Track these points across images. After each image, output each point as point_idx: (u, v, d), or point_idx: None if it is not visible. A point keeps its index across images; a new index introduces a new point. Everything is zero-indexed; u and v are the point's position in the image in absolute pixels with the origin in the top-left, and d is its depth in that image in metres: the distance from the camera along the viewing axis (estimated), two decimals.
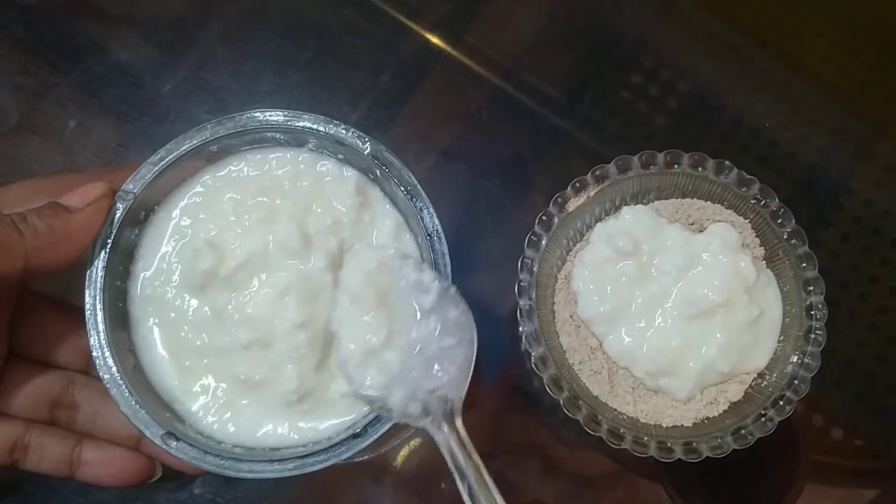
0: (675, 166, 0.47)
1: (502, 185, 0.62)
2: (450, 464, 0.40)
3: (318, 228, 0.46)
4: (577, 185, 0.48)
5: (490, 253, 0.60)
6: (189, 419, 0.44)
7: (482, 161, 0.62)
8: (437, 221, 0.44)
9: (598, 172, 0.47)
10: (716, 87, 0.65)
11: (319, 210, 0.46)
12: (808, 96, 0.65)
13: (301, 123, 0.45)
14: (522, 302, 0.45)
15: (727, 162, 0.47)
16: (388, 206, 0.47)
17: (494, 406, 0.58)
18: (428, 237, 0.44)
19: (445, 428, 0.40)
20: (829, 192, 0.64)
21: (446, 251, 0.44)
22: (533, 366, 0.45)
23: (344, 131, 0.45)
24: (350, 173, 0.47)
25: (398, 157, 0.45)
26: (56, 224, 0.41)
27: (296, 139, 0.46)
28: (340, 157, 0.46)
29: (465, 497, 0.38)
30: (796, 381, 0.45)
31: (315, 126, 0.45)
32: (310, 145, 0.46)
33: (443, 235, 0.44)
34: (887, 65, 0.66)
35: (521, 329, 0.46)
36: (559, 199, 0.47)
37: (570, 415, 0.44)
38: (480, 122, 0.63)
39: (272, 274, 0.45)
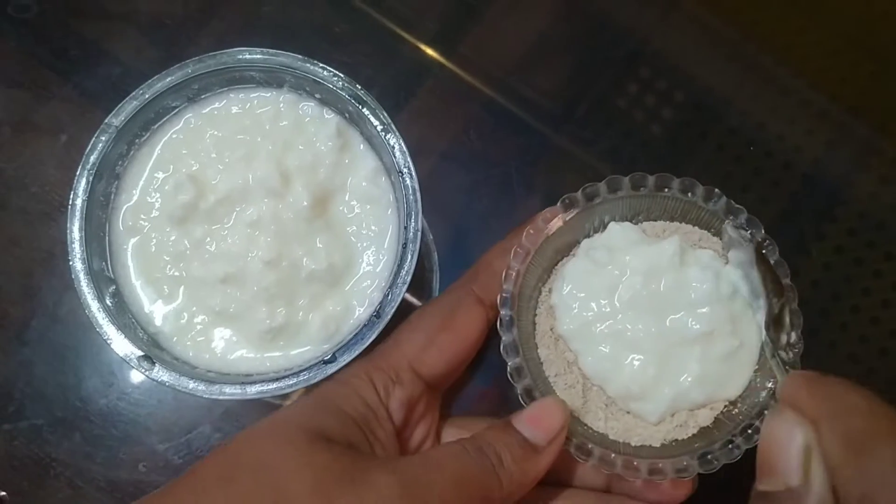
0: (665, 190, 0.47)
1: (495, 196, 0.63)
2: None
3: (298, 168, 0.47)
4: (567, 201, 0.48)
5: None
6: (166, 345, 0.46)
7: (474, 173, 0.63)
8: (409, 159, 0.45)
9: (587, 190, 0.47)
10: (711, 96, 0.65)
11: (300, 150, 0.47)
12: (804, 107, 0.65)
13: (279, 60, 0.46)
14: (503, 312, 0.45)
15: (716, 189, 0.47)
16: (367, 149, 0.48)
17: (491, 409, 0.59)
18: (399, 174, 0.45)
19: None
20: (823, 202, 0.64)
21: (417, 187, 0.45)
22: (508, 376, 0.45)
23: (320, 69, 0.46)
24: (330, 115, 0.48)
25: (372, 96, 0.46)
26: (528, 469, 0.40)
27: (275, 78, 0.47)
28: (319, 97, 0.48)
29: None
30: (766, 412, 0.45)
31: (292, 64, 0.46)
32: (288, 84, 0.48)
33: (414, 173, 0.45)
34: (883, 75, 0.67)
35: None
36: (547, 215, 0.48)
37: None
38: (473, 135, 0.64)
39: (248, 211, 0.46)
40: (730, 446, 0.44)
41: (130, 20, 0.64)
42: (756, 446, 0.38)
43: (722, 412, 0.47)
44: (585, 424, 0.47)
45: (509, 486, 0.39)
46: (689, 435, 0.47)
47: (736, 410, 0.47)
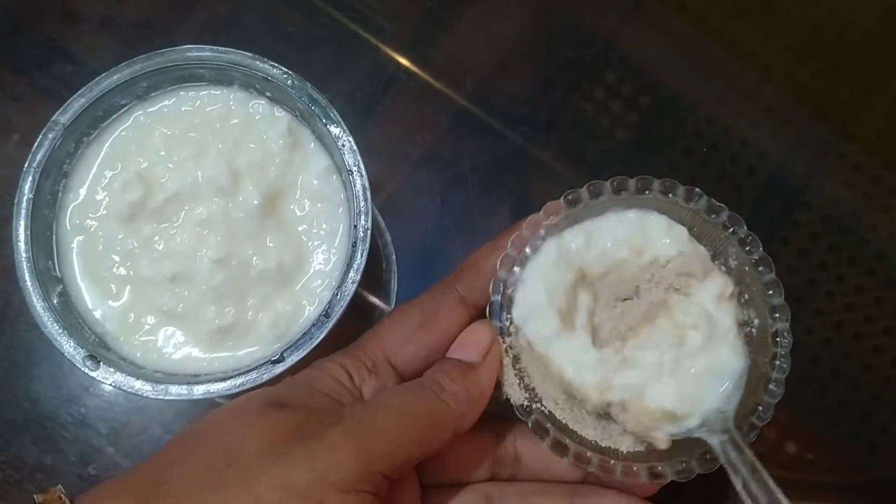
0: (647, 192, 0.47)
1: (457, 199, 0.63)
2: (723, 461, 0.42)
3: (248, 167, 0.47)
4: (549, 208, 0.47)
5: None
6: (113, 345, 0.46)
7: (437, 176, 0.63)
8: (359, 158, 0.45)
9: (570, 196, 0.47)
10: (676, 101, 0.66)
11: (251, 148, 0.47)
12: (768, 112, 0.66)
13: (228, 58, 0.46)
14: (494, 323, 0.45)
15: (697, 189, 0.47)
16: (318, 147, 0.48)
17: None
18: (349, 173, 0.45)
19: (721, 434, 0.42)
20: (787, 207, 0.64)
21: (367, 186, 0.45)
22: (503, 390, 0.45)
23: (270, 67, 0.46)
24: (281, 114, 0.48)
25: (322, 94, 0.46)
26: (470, 385, 0.41)
27: (225, 76, 0.47)
28: (269, 95, 0.47)
29: (741, 490, 0.40)
30: (760, 408, 0.45)
31: (241, 61, 0.46)
32: (238, 82, 0.47)
33: (364, 172, 0.45)
34: (843, 82, 0.68)
35: None
36: (531, 222, 0.47)
37: (538, 437, 0.44)
38: (436, 138, 0.64)
39: (198, 210, 0.46)
40: None
41: (83, 18, 0.64)
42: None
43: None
44: (575, 431, 0.46)
45: (458, 406, 0.40)
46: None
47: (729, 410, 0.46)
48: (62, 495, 0.36)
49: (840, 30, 0.68)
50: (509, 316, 0.45)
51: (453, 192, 0.62)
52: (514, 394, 0.44)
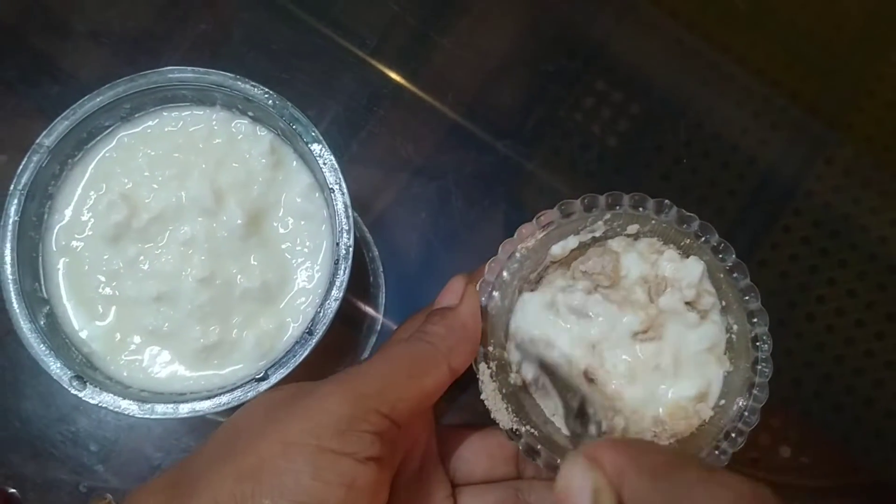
0: (617, 207, 0.47)
1: (449, 217, 0.63)
2: None
3: (231, 186, 0.47)
4: (524, 231, 0.47)
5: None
6: (100, 365, 0.46)
7: (427, 192, 0.63)
8: (340, 176, 0.46)
9: (541, 218, 0.47)
10: (667, 108, 0.66)
11: (234, 167, 0.48)
12: (757, 117, 0.66)
13: (209, 79, 0.46)
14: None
15: (667, 201, 0.47)
16: (300, 165, 0.49)
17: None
18: (329, 191, 0.45)
19: None
20: (778, 211, 0.65)
21: (349, 203, 0.45)
22: (492, 417, 0.45)
23: (251, 87, 0.46)
24: (263, 133, 0.48)
25: (304, 112, 0.46)
26: (452, 323, 0.44)
27: (207, 97, 0.48)
28: (252, 114, 0.48)
29: None
30: (746, 413, 0.45)
31: (223, 82, 0.46)
32: (220, 102, 0.48)
33: (346, 190, 0.45)
34: (829, 87, 0.68)
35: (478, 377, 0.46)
36: (506, 246, 0.47)
37: (531, 460, 0.45)
38: (427, 156, 0.64)
39: (182, 229, 0.47)
40: (716, 452, 0.45)
41: (69, 40, 0.64)
42: (740, 448, 0.43)
43: (704, 421, 0.47)
44: (569, 450, 0.46)
45: (442, 342, 0.43)
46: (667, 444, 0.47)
47: (716, 416, 0.46)
48: (111, 502, 0.40)
49: (828, 34, 0.69)
50: (492, 339, 0.46)
51: (440, 205, 0.63)
52: (503, 419, 0.45)
